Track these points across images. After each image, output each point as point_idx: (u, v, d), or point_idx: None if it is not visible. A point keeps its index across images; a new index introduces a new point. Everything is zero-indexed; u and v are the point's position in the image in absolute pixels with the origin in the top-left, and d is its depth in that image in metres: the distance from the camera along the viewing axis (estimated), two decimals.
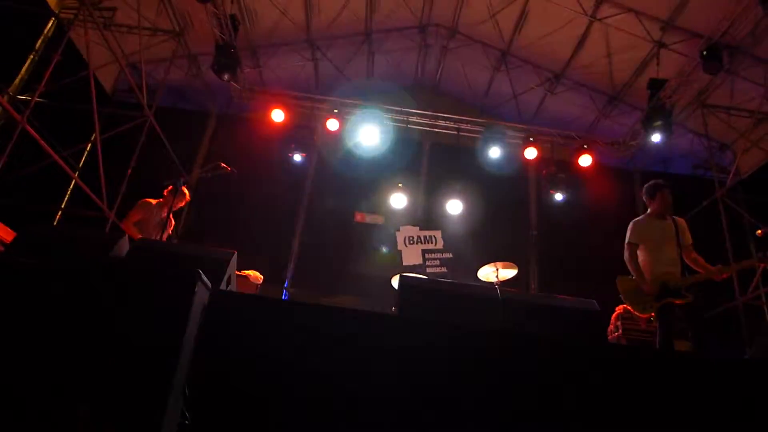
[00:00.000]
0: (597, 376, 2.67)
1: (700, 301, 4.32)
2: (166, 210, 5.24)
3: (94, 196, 7.31)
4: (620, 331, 6.65)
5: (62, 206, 8.41)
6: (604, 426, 2.51)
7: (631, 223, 4.72)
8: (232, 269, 3.40)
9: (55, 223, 8.14)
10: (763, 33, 7.35)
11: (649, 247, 4.53)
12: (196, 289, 1.89)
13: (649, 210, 4.76)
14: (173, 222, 5.55)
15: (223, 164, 4.91)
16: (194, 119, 10.04)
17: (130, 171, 7.92)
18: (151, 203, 5.48)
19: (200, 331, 1.94)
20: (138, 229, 5.38)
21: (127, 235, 3.35)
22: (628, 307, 5.13)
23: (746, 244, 8.65)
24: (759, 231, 4.90)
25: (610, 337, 6.70)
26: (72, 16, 7.43)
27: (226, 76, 8.34)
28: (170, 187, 5.29)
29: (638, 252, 4.58)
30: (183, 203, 5.38)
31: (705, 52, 7.51)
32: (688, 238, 4.59)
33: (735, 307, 7.96)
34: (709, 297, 7.44)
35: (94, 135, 7.31)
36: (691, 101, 8.93)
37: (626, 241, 4.65)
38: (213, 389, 1.97)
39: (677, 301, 4.27)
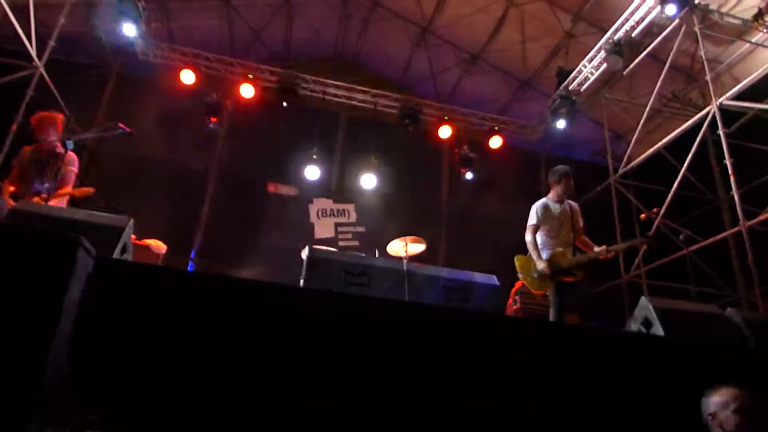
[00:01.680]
0: (495, 346, 2.81)
1: (587, 279, 4.65)
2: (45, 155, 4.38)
3: None
4: (519, 304, 7.06)
5: None
6: (504, 391, 2.65)
7: (533, 206, 4.97)
8: (127, 236, 3.19)
9: None
10: (659, 33, 7.94)
11: (547, 230, 4.80)
12: (77, 255, 1.74)
13: (550, 193, 5.02)
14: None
15: (121, 124, 4.49)
16: (93, 74, 9.19)
17: (14, 127, 7.16)
18: (25, 150, 4.53)
19: (82, 303, 1.80)
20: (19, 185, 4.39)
21: (4, 199, 3.03)
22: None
23: (633, 227, 9.44)
24: (643, 215, 5.37)
25: (509, 310, 7.10)
26: None
27: (128, 30, 7.68)
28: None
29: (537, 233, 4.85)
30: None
31: (608, 47, 8.00)
32: (580, 222, 4.92)
33: (619, 285, 8.69)
34: (597, 275, 8.05)
35: None
36: (594, 92, 9.50)
37: (528, 222, 4.89)
38: (96, 364, 1.84)
39: (568, 279, 4.58)
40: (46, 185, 4.45)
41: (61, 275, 1.70)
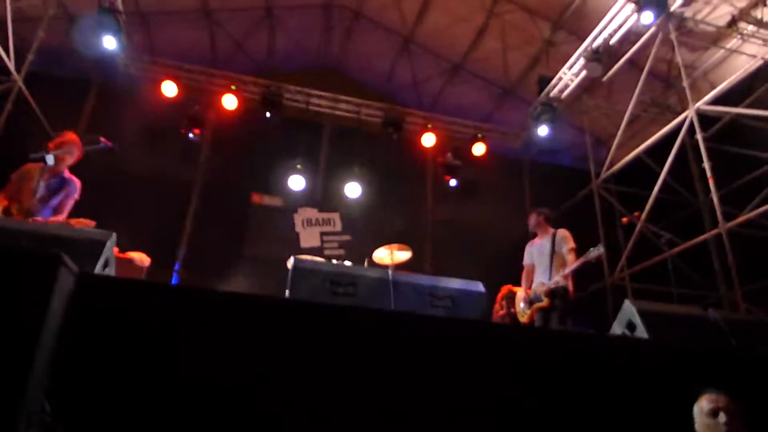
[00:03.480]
0: (481, 354, 2.82)
1: (560, 300, 5.12)
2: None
3: None
4: (505, 309, 7.09)
5: None
6: (491, 397, 2.65)
7: None
8: (109, 251, 3.15)
9: None
10: (635, 41, 8.08)
11: (535, 264, 5.50)
12: (58, 273, 1.72)
13: None
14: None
15: (103, 139, 4.43)
16: (73, 88, 9.09)
17: None
18: (30, 169, 4.26)
19: (64, 322, 1.77)
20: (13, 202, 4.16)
21: None
22: (512, 288, 6.27)
23: (617, 231, 9.57)
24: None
25: (495, 316, 7.13)
26: None
27: (108, 42, 7.62)
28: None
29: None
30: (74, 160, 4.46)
31: (588, 54, 8.12)
32: (561, 248, 5.31)
33: (603, 288, 8.77)
34: (582, 279, 8.14)
35: None
36: (575, 99, 9.64)
37: None
38: (79, 386, 1.81)
39: (541, 305, 5.22)
40: (46, 212, 4.28)
41: (42, 294, 1.68)
